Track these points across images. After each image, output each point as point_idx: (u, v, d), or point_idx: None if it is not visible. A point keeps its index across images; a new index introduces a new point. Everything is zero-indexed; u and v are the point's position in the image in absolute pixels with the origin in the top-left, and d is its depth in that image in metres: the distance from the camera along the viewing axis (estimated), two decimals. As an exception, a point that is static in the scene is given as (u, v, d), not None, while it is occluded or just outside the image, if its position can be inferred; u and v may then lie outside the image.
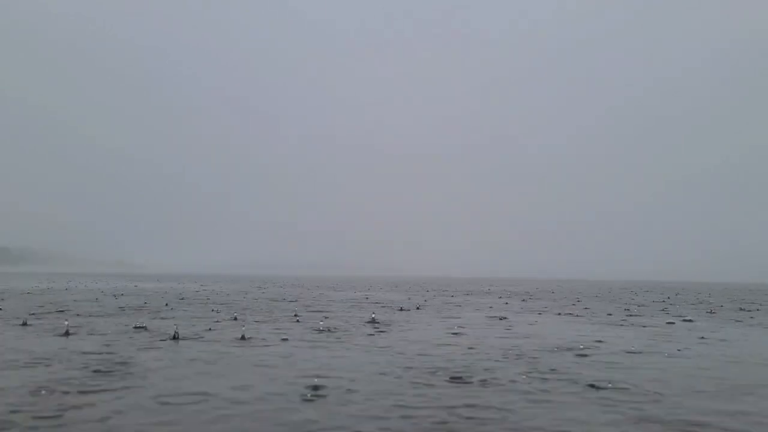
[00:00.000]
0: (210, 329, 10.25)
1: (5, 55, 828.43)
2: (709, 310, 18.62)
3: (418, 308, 17.22)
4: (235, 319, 12.48)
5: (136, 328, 10.20)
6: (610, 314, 16.14)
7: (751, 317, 16.13)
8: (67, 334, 9.13)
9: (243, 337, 8.94)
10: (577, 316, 15.35)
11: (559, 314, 15.87)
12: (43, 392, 4.89)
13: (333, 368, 6.28)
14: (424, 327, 11.32)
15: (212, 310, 15.00)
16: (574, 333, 10.57)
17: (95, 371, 5.90)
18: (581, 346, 8.42)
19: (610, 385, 5.55)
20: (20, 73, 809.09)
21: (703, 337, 10.17)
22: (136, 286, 36.35)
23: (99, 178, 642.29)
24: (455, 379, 5.74)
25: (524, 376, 5.91)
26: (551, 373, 6.11)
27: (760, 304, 24.05)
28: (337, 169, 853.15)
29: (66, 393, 4.89)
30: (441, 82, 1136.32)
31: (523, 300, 24.31)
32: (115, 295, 22.24)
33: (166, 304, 17.31)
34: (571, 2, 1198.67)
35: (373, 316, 13.07)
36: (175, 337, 8.78)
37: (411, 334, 9.95)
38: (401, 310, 16.36)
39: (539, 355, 7.55)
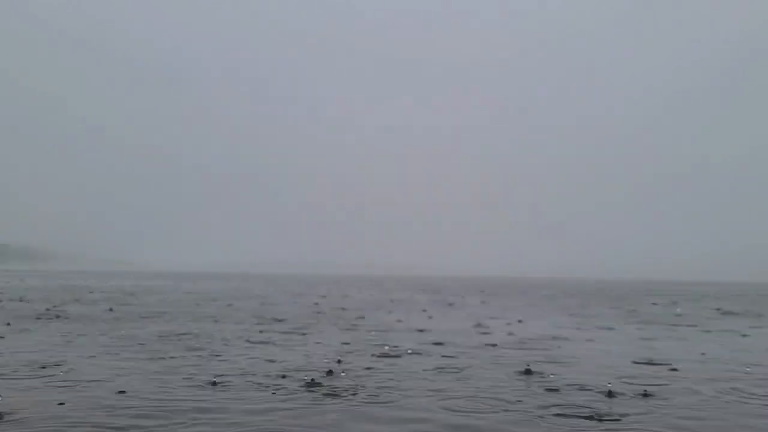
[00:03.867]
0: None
1: (17, 49, 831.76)
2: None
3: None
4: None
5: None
6: None
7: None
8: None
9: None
10: None
11: None
12: None
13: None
14: None
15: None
16: None
17: None
18: None
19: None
20: (29, 66, 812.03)
21: None
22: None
23: (103, 176, 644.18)
24: None
25: None
26: None
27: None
28: (342, 160, 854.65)
29: None
30: (441, 70, 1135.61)
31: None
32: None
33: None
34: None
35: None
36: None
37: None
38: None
39: None
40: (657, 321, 15.87)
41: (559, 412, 5.21)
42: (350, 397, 5.75)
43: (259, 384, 6.35)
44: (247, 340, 10.15)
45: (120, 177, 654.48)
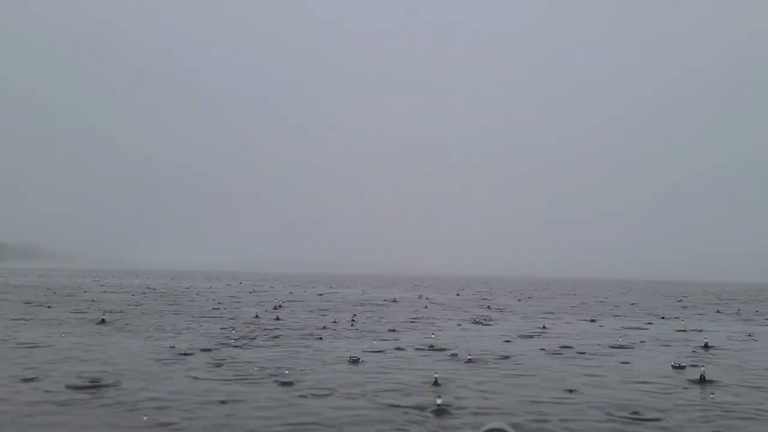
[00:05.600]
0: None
1: (17, 50, 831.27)
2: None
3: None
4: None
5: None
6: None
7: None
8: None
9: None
10: None
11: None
12: None
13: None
14: None
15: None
16: None
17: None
18: None
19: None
20: (30, 67, 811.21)
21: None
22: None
23: (105, 175, 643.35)
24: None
25: None
26: None
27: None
28: (345, 161, 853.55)
29: None
30: (448, 78, 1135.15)
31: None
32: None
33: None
34: (576, 2, 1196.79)
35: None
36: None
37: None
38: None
39: None
40: None
41: None
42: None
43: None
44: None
45: (120, 177, 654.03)
